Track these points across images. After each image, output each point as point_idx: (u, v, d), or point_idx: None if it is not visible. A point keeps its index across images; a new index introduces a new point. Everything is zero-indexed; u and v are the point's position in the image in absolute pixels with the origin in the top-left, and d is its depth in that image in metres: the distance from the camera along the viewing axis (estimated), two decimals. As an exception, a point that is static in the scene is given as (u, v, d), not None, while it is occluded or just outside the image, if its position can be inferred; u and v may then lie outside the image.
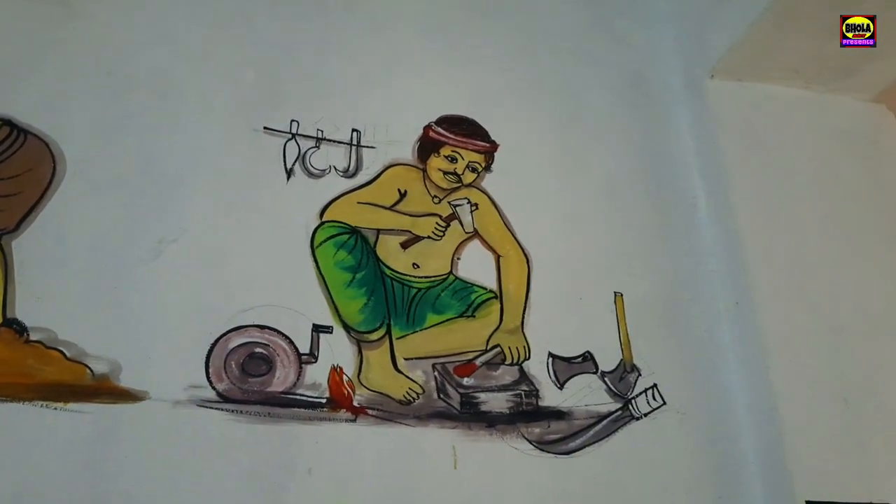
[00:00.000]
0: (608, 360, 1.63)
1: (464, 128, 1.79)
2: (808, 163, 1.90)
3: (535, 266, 1.70)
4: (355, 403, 1.42)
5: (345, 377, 1.44)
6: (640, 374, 1.63)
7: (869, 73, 1.95)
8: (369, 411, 1.42)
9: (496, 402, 1.51)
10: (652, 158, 1.93)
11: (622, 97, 2.01)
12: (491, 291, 1.64)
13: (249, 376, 1.39)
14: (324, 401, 1.41)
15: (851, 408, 1.58)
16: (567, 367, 1.59)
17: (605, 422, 1.56)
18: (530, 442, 1.49)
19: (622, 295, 1.71)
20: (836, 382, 1.60)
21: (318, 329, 1.46)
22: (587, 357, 1.61)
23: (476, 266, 1.66)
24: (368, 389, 1.45)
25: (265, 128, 1.66)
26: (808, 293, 1.69)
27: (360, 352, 1.48)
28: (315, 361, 1.44)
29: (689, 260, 1.82)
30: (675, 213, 1.88)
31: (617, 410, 1.58)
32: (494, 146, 1.80)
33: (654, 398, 1.60)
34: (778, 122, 1.94)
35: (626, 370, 1.62)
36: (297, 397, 1.40)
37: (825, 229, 1.80)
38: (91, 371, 1.32)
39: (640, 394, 1.60)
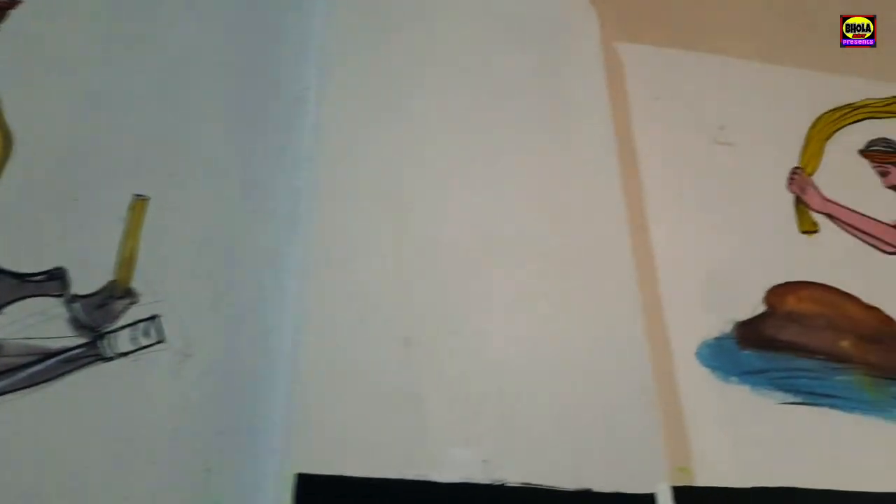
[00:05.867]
0: (95, 281, 1.17)
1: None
2: (453, 50, 1.48)
3: (23, 157, 1.23)
4: None
5: None
6: (134, 301, 1.17)
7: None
8: None
9: None
10: (261, 37, 1.49)
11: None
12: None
13: None
14: None
15: (413, 350, 1.16)
16: (16, 286, 1.13)
17: (50, 362, 1.09)
18: None
19: (148, 199, 1.26)
20: (399, 316, 1.17)
21: None
22: (56, 275, 1.15)
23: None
24: None
25: None
26: (390, 203, 1.26)
27: None
28: None
29: (274, 162, 1.37)
30: (272, 107, 1.44)
31: (78, 347, 1.12)
32: (12, 3, 1.33)
33: (146, 334, 1.15)
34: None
35: (113, 295, 1.17)
36: None
37: (453, 129, 1.39)
38: None
39: (127, 326, 1.15)
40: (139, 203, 1.25)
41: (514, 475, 1.09)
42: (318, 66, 1.45)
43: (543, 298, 1.25)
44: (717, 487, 1.27)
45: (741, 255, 1.56)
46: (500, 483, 1.07)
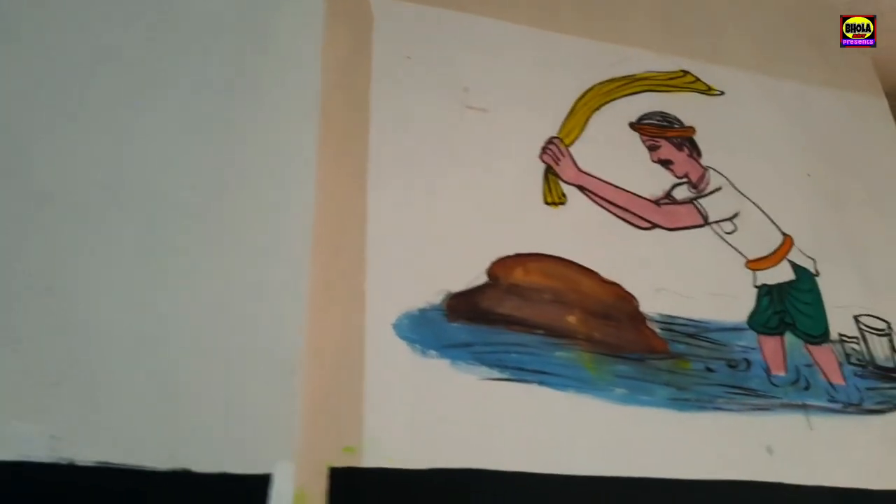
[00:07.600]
0: None
1: None
2: None
3: None
4: None
5: None
6: None
7: None
8: None
9: None
10: None
11: None
12: None
13: None
14: None
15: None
16: None
17: None
18: None
19: None
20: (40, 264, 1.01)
21: None
22: None
23: None
24: None
25: None
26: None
27: None
28: None
29: None
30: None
31: None
32: None
33: None
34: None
35: None
36: None
37: (99, 67, 1.23)
38: None
39: None
40: None
41: (88, 453, 0.94)
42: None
43: (180, 257, 1.10)
44: (383, 469, 1.15)
45: (470, 224, 1.45)
46: (67, 462, 0.92)
